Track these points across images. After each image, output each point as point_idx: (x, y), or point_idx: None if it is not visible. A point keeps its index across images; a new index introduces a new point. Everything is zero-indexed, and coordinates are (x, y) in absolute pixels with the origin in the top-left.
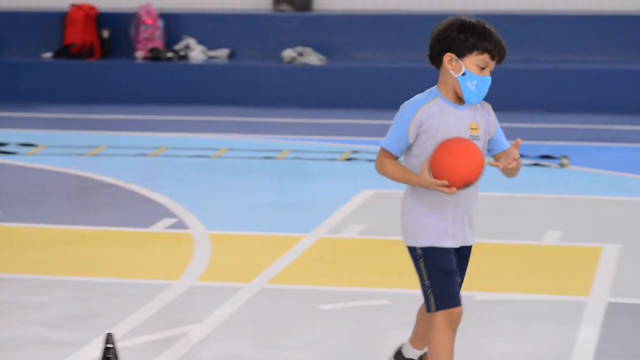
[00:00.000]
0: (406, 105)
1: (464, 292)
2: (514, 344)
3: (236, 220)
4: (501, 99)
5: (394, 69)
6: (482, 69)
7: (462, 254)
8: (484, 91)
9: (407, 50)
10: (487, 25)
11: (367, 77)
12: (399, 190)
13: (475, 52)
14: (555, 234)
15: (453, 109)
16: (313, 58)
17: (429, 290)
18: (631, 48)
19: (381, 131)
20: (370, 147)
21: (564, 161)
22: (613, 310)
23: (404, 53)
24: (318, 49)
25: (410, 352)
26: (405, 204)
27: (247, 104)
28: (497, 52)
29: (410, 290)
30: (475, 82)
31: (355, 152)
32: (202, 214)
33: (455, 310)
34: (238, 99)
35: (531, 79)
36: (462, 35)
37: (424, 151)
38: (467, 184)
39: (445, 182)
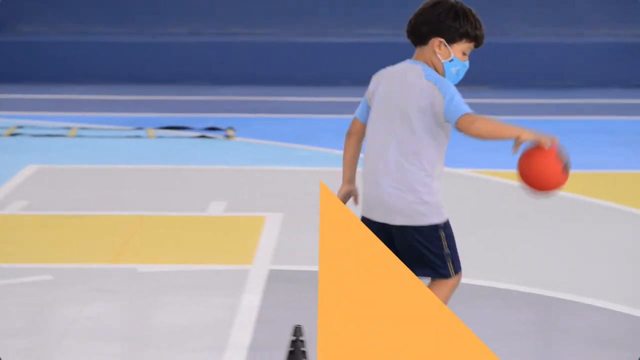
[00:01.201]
0: (443, 79)
1: (126, 265)
2: (176, 316)
3: None
4: (165, 73)
5: (59, 43)
6: (464, 54)
7: None
8: (462, 76)
9: (77, 24)
10: (474, 11)
11: (33, 52)
12: (66, 164)
13: (464, 40)
14: (220, 204)
15: None
16: None
17: (448, 258)
18: (295, 21)
19: (45, 106)
20: (35, 122)
21: (230, 133)
22: (275, 277)
23: (75, 27)
24: None
25: None
26: (423, 182)
27: None
28: (482, 40)
29: (73, 265)
30: (458, 68)
31: (20, 127)
32: None
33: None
34: None
35: (197, 51)
36: (456, 23)
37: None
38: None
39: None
